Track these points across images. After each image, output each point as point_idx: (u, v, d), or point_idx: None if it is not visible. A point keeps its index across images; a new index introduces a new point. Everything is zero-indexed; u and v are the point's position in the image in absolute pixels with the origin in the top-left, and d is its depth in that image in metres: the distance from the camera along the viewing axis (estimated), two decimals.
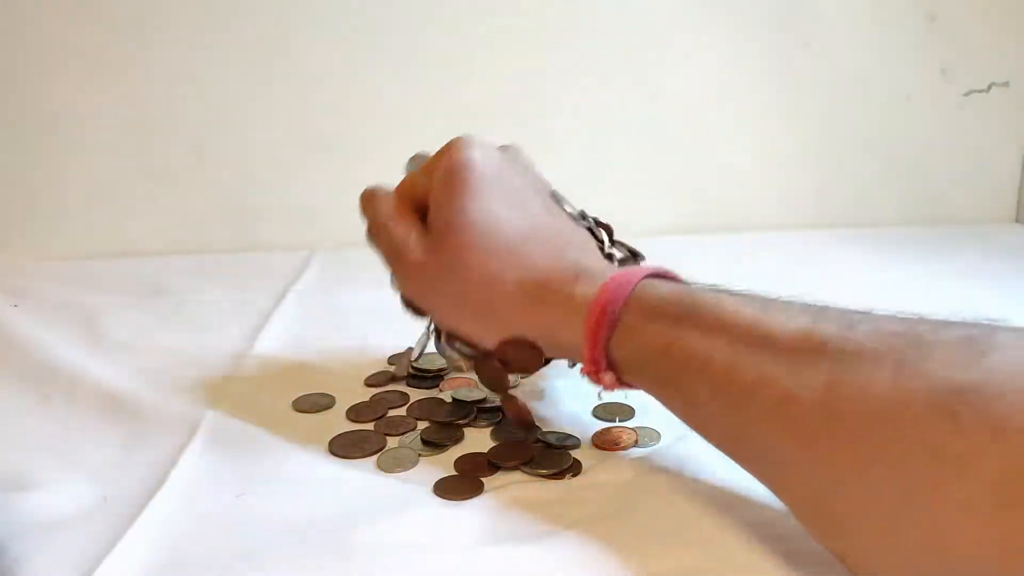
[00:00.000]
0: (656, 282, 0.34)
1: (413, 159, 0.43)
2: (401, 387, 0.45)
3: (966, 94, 0.80)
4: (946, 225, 0.81)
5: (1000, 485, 0.22)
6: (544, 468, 0.36)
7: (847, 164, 0.81)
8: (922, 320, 0.28)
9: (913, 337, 0.26)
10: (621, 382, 0.34)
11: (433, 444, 0.38)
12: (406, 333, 0.52)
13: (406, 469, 0.37)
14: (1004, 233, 0.80)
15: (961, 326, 0.26)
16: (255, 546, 0.31)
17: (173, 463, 0.36)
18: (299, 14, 0.73)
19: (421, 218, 0.39)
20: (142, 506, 0.33)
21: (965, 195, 0.82)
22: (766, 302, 0.31)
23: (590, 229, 0.40)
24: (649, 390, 0.34)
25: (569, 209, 0.40)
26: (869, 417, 0.25)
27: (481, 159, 0.38)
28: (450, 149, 0.38)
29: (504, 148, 0.41)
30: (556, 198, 0.40)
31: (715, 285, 0.33)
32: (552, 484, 0.35)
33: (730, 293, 0.32)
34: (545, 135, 0.77)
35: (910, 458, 0.24)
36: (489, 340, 0.37)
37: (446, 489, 0.35)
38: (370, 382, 0.46)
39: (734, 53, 0.77)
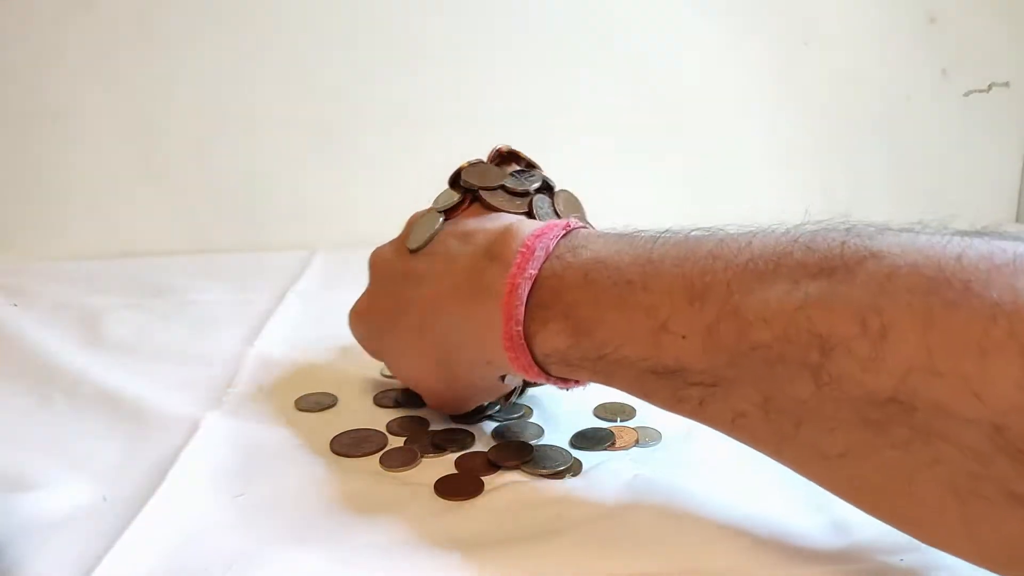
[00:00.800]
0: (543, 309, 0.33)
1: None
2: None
3: (966, 94, 0.80)
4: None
5: None
6: (544, 468, 0.36)
7: (847, 164, 0.81)
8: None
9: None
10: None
11: (439, 447, 0.38)
12: None
13: (407, 468, 0.37)
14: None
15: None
16: (255, 546, 0.31)
17: (173, 463, 0.36)
18: (301, 15, 0.73)
19: None
20: (142, 506, 0.33)
21: (965, 195, 0.82)
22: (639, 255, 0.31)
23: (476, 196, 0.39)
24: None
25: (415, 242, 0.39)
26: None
27: (356, 330, 0.43)
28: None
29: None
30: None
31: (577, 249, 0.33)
32: (552, 484, 0.35)
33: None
34: (547, 134, 0.77)
35: None
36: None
37: (446, 489, 0.35)
38: (379, 403, 0.44)
39: (734, 53, 0.77)
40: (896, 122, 0.80)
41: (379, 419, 0.41)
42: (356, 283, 0.65)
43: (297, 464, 0.37)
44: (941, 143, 0.81)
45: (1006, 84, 0.80)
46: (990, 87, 0.80)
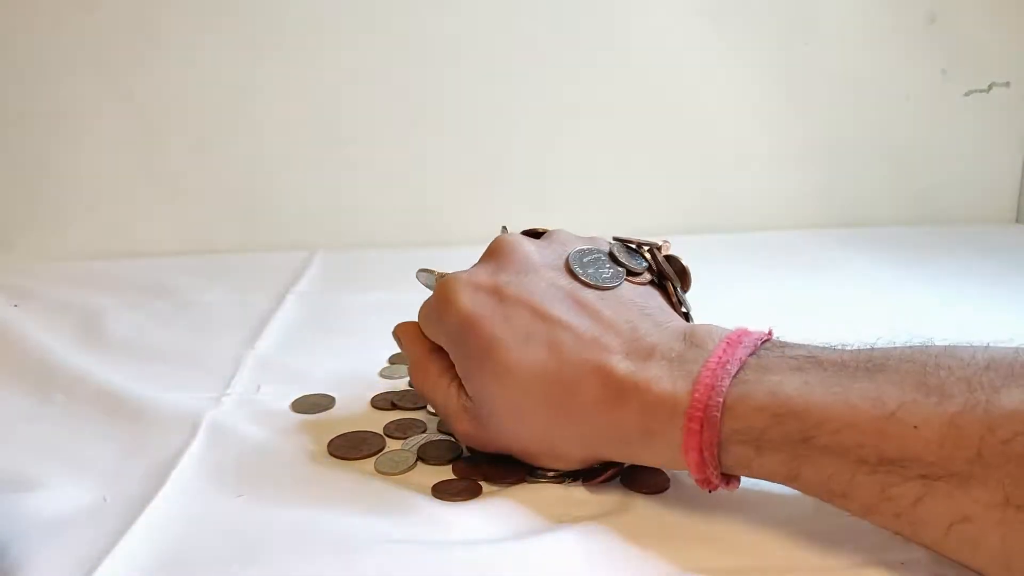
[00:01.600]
0: (739, 392, 0.30)
1: (420, 274, 0.40)
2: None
3: (966, 94, 0.80)
4: (946, 225, 0.80)
5: None
6: (543, 475, 0.35)
7: (847, 164, 0.81)
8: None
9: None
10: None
11: (436, 456, 0.38)
12: None
13: (404, 472, 0.37)
14: (1004, 233, 0.80)
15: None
16: (255, 546, 0.31)
17: (173, 463, 0.36)
18: (301, 15, 0.73)
19: None
20: (142, 506, 0.33)
21: (965, 195, 0.82)
22: (869, 386, 0.28)
23: (632, 271, 0.37)
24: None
25: (592, 278, 0.35)
26: None
27: (476, 310, 0.34)
28: (446, 303, 0.35)
29: (499, 257, 0.37)
30: (570, 260, 0.36)
31: (791, 348, 0.31)
32: (552, 485, 0.35)
33: (830, 377, 0.29)
34: (549, 137, 0.77)
35: None
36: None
37: (445, 491, 0.35)
38: (376, 404, 0.44)
39: (734, 54, 0.77)
40: (896, 122, 0.80)
41: (376, 421, 0.41)
42: (357, 284, 0.65)
43: (296, 465, 0.37)
44: (941, 143, 0.81)
45: (1006, 84, 0.80)
46: (990, 87, 0.80)
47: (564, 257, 0.36)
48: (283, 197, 0.76)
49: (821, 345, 0.32)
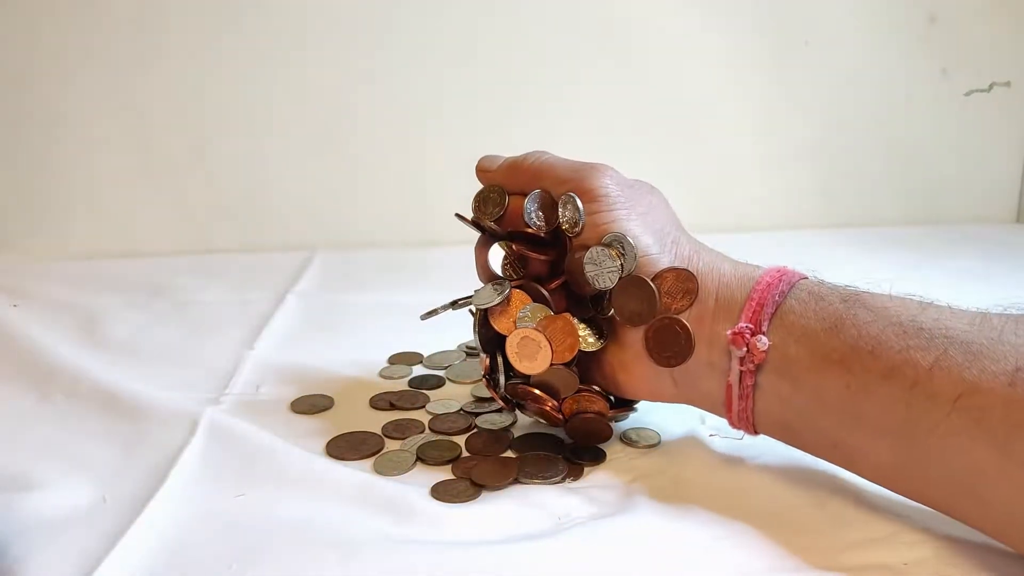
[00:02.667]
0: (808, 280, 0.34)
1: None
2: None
3: (967, 94, 0.80)
4: (946, 225, 0.80)
5: None
6: (539, 478, 0.36)
7: (847, 164, 0.81)
8: None
9: None
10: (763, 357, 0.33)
11: (435, 457, 0.38)
12: (406, 334, 0.52)
13: (403, 472, 0.37)
14: (1004, 233, 0.80)
15: None
16: (255, 546, 0.31)
17: (173, 463, 0.36)
18: (302, 15, 0.73)
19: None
20: (142, 506, 0.33)
21: (965, 195, 0.82)
22: (920, 301, 0.31)
23: None
24: (806, 370, 0.32)
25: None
26: None
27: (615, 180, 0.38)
28: (589, 176, 0.37)
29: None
30: None
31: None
32: (552, 487, 0.35)
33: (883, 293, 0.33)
34: (546, 134, 0.77)
35: None
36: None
37: (444, 491, 0.35)
38: (375, 405, 0.44)
39: (734, 53, 0.77)
40: (896, 122, 0.80)
41: (375, 421, 0.41)
42: (356, 284, 0.65)
43: (294, 466, 0.37)
44: (941, 143, 0.81)
45: (1007, 84, 0.80)
46: (991, 87, 0.80)
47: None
48: (283, 197, 0.76)
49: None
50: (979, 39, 0.79)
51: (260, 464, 0.37)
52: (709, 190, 0.80)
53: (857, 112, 0.80)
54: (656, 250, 0.35)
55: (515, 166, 0.39)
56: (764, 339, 0.32)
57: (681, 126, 0.79)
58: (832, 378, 0.31)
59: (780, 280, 0.33)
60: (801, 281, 0.34)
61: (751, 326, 0.32)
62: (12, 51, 0.71)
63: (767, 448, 0.36)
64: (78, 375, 0.46)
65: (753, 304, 0.33)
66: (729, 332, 0.33)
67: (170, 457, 0.37)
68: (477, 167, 0.41)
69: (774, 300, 0.33)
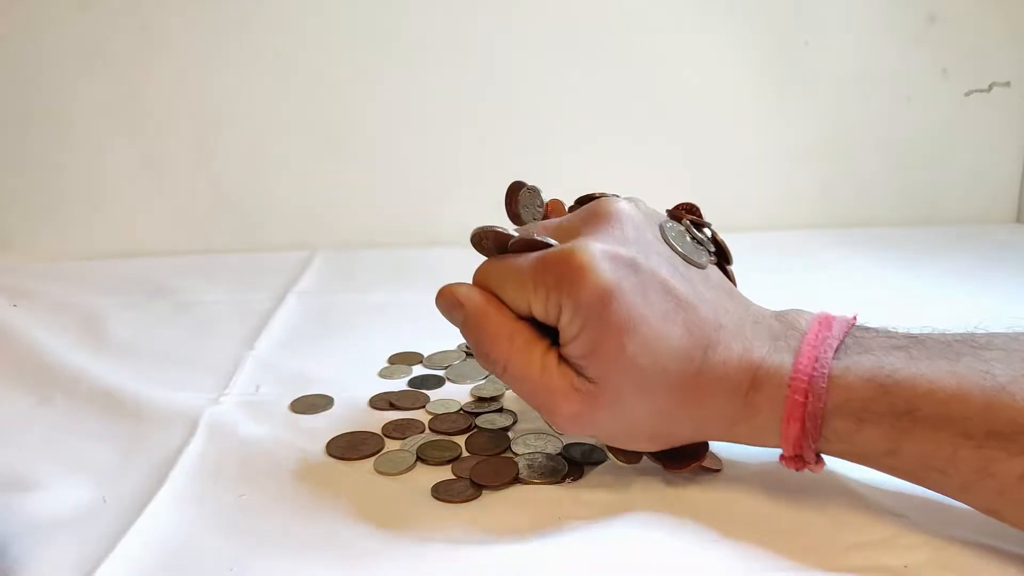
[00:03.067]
0: (843, 365, 0.30)
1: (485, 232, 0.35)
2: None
3: (967, 94, 0.80)
4: (946, 225, 0.80)
5: None
6: (539, 479, 0.36)
7: (847, 164, 0.80)
8: None
9: None
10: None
11: (435, 457, 0.38)
12: (406, 334, 0.52)
13: (403, 472, 0.37)
14: (1004, 233, 0.80)
15: None
16: (254, 546, 0.31)
17: (173, 463, 0.37)
18: (302, 14, 0.73)
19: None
20: (142, 506, 0.33)
21: (965, 195, 0.82)
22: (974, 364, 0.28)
23: (713, 251, 0.36)
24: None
25: (688, 253, 0.34)
26: None
27: (620, 283, 0.31)
28: (581, 272, 0.31)
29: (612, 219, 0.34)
30: (664, 233, 0.34)
31: (887, 331, 0.32)
32: (552, 487, 0.35)
33: (926, 356, 0.29)
34: (545, 134, 0.77)
35: None
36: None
37: (444, 491, 0.35)
38: (375, 405, 0.44)
39: (734, 53, 0.77)
40: (896, 122, 0.80)
41: (375, 421, 0.41)
42: (357, 284, 0.65)
43: (294, 466, 0.37)
44: (941, 143, 0.81)
45: (1007, 84, 0.80)
46: (991, 87, 0.80)
47: (657, 228, 0.34)
48: (283, 197, 0.76)
49: (917, 329, 0.32)
50: (979, 39, 0.79)
51: (260, 464, 0.37)
52: (709, 190, 0.80)
53: (857, 112, 0.80)
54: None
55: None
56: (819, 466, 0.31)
57: (680, 126, 0.78)
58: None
59: (811, 399, 0.29)
60: (835, 392, 0.29)
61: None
62: (13, 51, 0.71)
63: (767, 449, 0.36)
64: (78, 375, 0.46)
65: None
66: (779, 459, 0.31)
67: (170, 457, 0.37)
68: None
69: (812, 432, 0.30)
